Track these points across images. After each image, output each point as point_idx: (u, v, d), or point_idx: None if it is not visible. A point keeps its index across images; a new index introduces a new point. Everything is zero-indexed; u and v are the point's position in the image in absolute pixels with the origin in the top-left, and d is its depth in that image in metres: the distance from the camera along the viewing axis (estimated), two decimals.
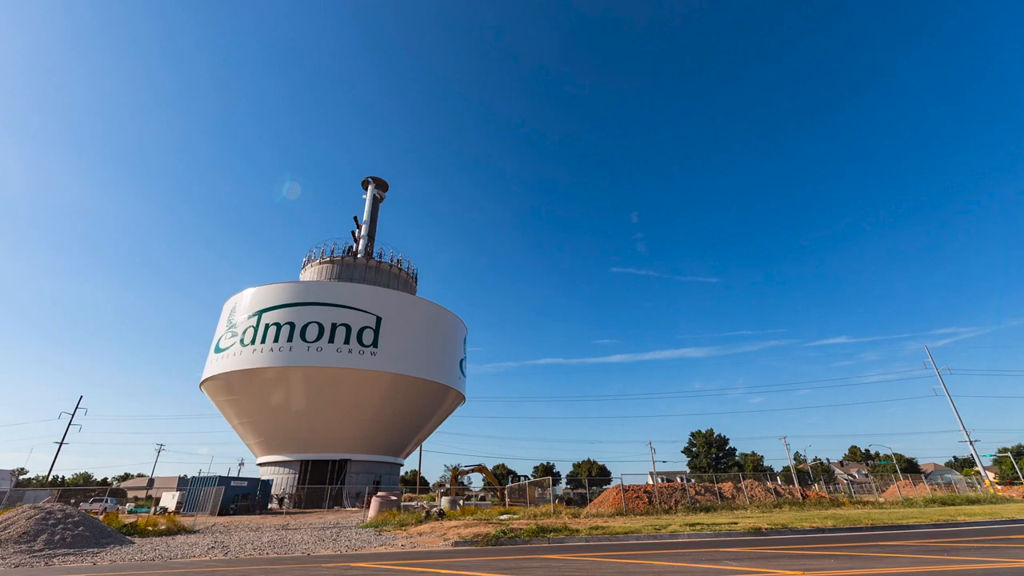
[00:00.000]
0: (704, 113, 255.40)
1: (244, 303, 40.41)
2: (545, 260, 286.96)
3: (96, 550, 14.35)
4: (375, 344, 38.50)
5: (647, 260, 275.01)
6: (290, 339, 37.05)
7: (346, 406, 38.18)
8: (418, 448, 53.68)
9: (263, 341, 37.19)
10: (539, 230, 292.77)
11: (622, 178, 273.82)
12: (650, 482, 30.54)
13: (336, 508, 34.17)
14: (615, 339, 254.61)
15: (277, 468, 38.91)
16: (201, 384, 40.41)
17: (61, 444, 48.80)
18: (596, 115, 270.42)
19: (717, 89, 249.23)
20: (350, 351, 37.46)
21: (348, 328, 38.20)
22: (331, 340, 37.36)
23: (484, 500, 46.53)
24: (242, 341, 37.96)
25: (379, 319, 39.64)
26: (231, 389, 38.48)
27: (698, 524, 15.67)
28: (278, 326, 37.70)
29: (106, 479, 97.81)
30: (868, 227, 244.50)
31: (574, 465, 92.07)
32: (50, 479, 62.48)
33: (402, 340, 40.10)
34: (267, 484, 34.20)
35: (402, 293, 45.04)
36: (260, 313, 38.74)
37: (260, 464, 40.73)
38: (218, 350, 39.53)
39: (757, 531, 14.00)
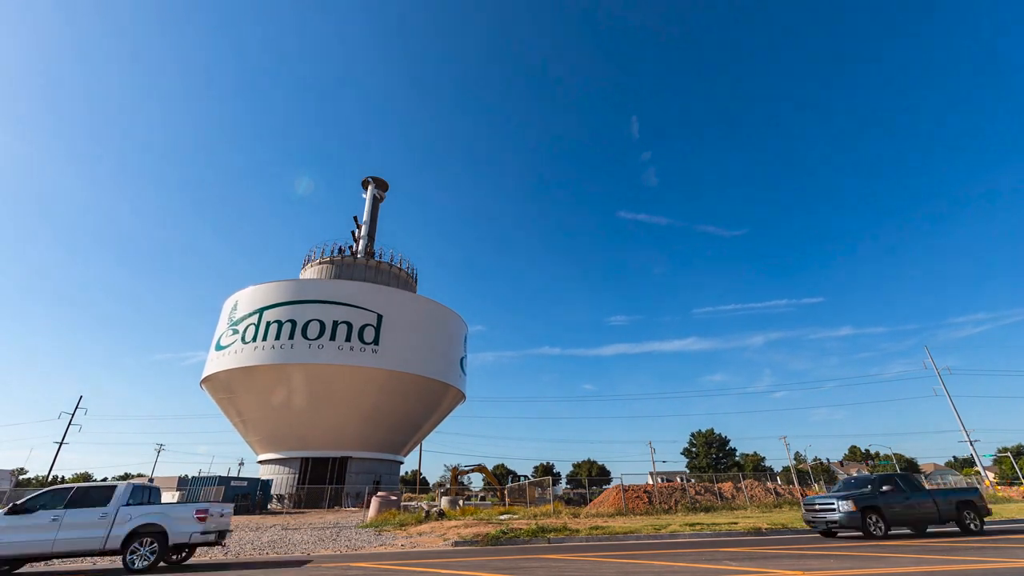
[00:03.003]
0: (713, 101, 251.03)
1: (245, 301, 40.46)
2: (549, 228, 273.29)
3: None
4: (376, 342, 38.55)
5: (659, 197, 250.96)
6: (291, 336, 37.12)
7: (347, 403, 38.24)
8: (418, 447, 53.69)
9: (264, 339, 37.24)
10: (541, 195, 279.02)
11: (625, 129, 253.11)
12: (650, 482, 30.54)
13: (336, 508, 34.16)
14: (623, 314, 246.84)
15: (277, 467, 38.93)
16: (202, 382, 40.43)
17: (61, 444, 48.78)
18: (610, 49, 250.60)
19: (724, 77, 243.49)
20: (351, 349, 37.52)
21: (349, 326, 38.25)
22: (332, 338, 37.43)
23: (484, 500, 46.56)
24: (243, 339, 38.02)
25: (380, 317, 39.70)
26: (232, 387, 38.53)
27: (698, 524, 15.67)
28: (279, 324, 37.73)
29: (106, 479, 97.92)
30: (878, 217, 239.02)
31: (574, 465, 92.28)
32: (50, 479, 62.42)
33: (403, 338, 40.17)
34: (267, 484, 34.19)
35: (403, 291, 45.14)
36: (261, 311, 38.79)
37: (260, 462, 40.78)
38: (219, 347, 39.56)
39: (757, 531, 14.00)
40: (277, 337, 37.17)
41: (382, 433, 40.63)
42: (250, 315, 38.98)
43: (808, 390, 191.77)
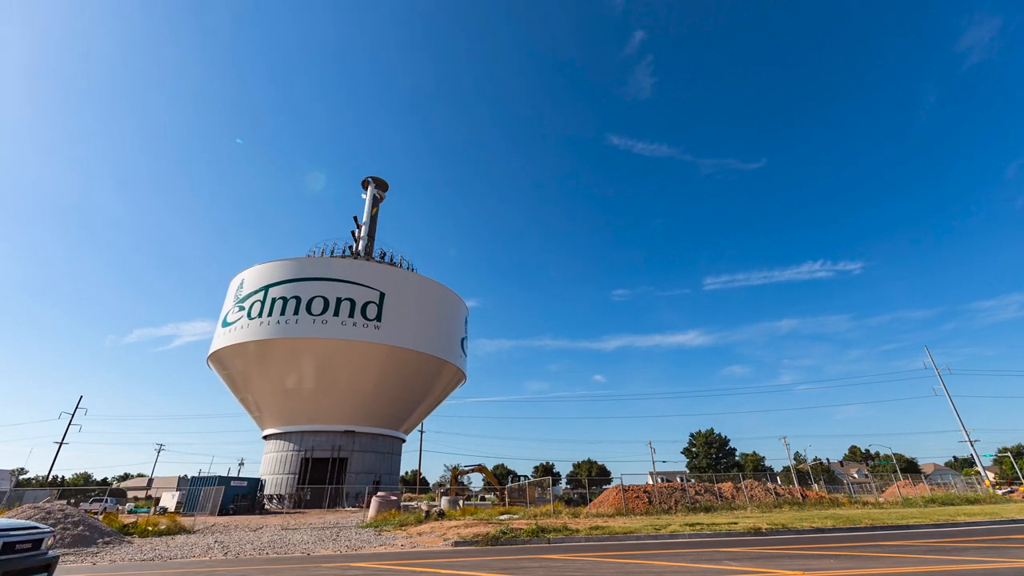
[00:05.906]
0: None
1: (251, 278, 41.15)
2: (543, 215, 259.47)
3: (95, 550, 14.34)
4: (379, 318, 39.12)
5: (655, 113, 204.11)
6: (296, 312, 37.70)
7: (350, 378, 38.79)
8: (418, 449, 53.70)
9: (270, 314, 37.85)
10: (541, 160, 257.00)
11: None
12: (650, 482, 30.53)
13: (336, 508, 34.14)
14: (625, 288, 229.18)
15: (277, 464, 38.87)
16: (208, 358, 41.04)
17: (61, 444, 48.84)
18: None
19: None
20: (354, 324, 38.08)
21: (352, 302, 38.81)
22: (336, 314, 37.99)
23: (484, 500, 46.62)
24: (249, 315, 38.66)
25: (383, 295, 40.30)
26: (238, 362, 39.09)
27: (698, 524, 15.65)
28: (284, 300, 38.35)
29: (106, 479, 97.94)
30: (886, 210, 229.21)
31: (574, 465, 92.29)
32: (50, 479, 62.44)
33: (405, 315, 40.82)
34: (264, 484, 34.14)
35: (406, 271, 46.03)
36: (267, 288, 39.44)
37: (265, 437, 41.45)
38: (225, 324, 40.21)
39: (757, 531, 13.98)
40: (282, 313, 37.74)
41: (384, 408, 41.20)
42: (256, 292, 39.65)
43: (812, 389, 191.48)
